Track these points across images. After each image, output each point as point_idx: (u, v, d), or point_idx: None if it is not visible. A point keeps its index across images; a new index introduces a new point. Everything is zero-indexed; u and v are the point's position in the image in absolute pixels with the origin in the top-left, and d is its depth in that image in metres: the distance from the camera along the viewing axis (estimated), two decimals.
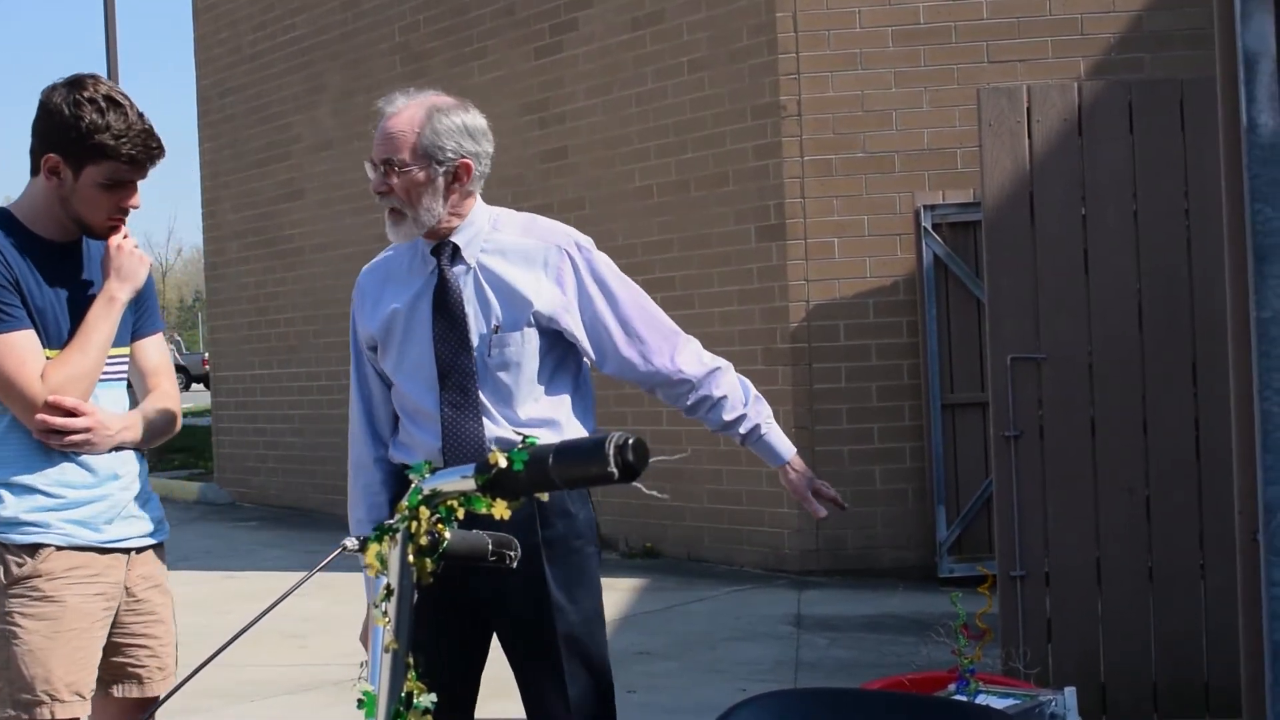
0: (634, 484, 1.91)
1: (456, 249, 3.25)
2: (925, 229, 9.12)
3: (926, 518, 9.20)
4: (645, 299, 3.32)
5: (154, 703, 3.42)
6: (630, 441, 1.84)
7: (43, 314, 3.27)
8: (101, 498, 3.32)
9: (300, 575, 1.88)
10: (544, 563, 3.19)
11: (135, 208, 3.33)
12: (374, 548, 1.85)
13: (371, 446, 3.35)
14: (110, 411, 3.35)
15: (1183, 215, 5.62)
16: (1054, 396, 5.63)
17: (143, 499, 3.46)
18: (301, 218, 13.97)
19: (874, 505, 9.28)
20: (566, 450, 1.87)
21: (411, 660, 1.89)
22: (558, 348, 3.27)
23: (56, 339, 3.28)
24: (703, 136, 9.93)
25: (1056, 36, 9.22)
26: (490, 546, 1.98)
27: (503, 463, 1.86)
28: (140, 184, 3.33)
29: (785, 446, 3.41)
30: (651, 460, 1.90)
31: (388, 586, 1.87)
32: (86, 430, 3.24)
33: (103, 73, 19.47)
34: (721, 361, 3.34)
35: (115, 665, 3.40)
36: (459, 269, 3.24)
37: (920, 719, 2.24)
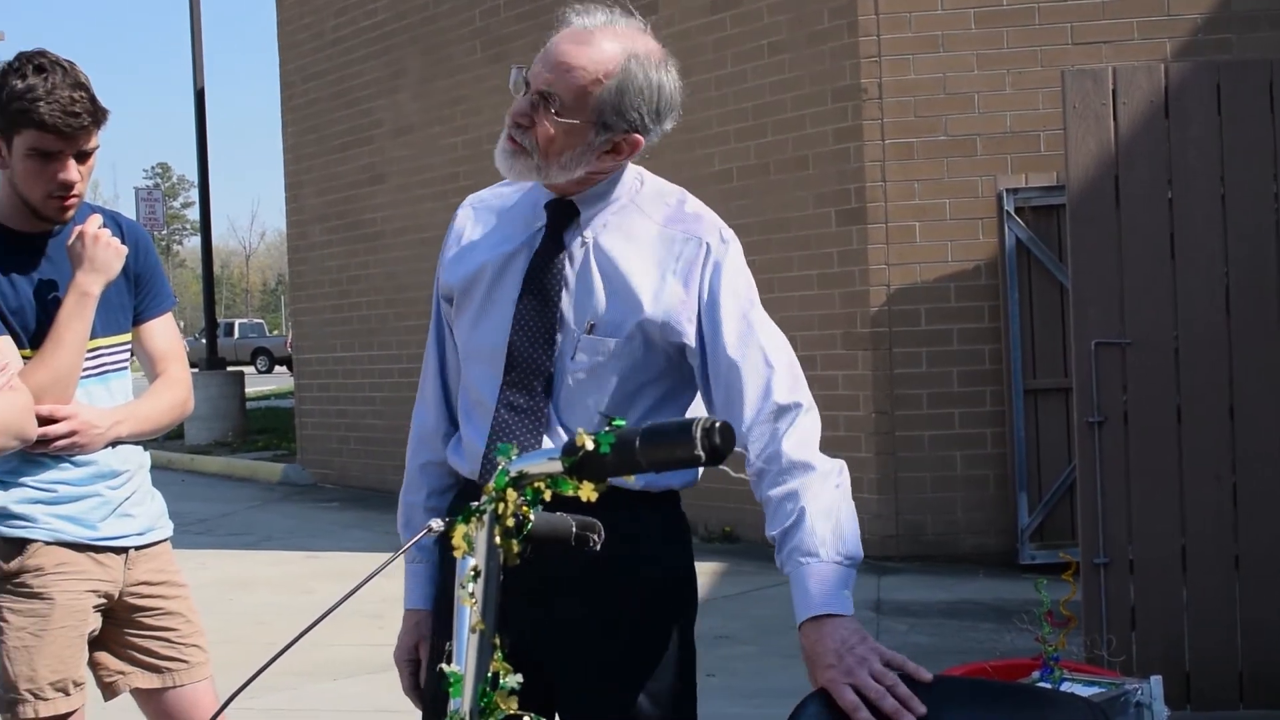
0: (720, 467, 1.91)
1: (575, 214, 2.55)
2: (1008, 212, 9.04)
3: (1008, 504, 9.14)
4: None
5: (200, 691, 3.41)
6: (717, 425, 1.84)
7: (19, 314, 3.16)
8: (94, 495, 3.24)
9: (382, 555, 1.90)
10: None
11: (69, 182, 3.11)
12: (461, 529, 1.86)
13: (443, 420, 2.72)
14: (99, 408, 3.20)
15: (1271, 199, 5.54)
16: (1139, 382, 5.56)
17: (145, 495, 3.38)
18: (382, 202, 14.07)
19: (954, 491, 9.23)
20: (653, 433, 1.87)
21: (498, 641, 1.90)
22: (670, 375, 2.55)
23: (37, 339, 3.15)
24: (783, 120, 9.89)
25: (1142, 17, 9.10)
26: (574, 529, 1.99)
27: (589, 445, 1.86)
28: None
29: (819, 600, 2.32)
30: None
31: (475, 568, 1.88)
32: (70, 434, 3.10)
33: (188, 58, 19.71)
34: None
35: (132, 658, 3.37)
36: (572, 240, 2.54)
37: (1005, 706, 2.22)
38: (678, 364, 2.54)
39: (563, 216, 2.55)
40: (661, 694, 2.51)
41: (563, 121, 2.42)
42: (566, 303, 2.51)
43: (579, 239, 2.53)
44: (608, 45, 2.45)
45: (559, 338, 2.50)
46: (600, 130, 2.44)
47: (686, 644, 2.58)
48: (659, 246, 2.52)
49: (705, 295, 2.49)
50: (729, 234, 2.56)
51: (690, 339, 2.49)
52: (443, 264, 2.68)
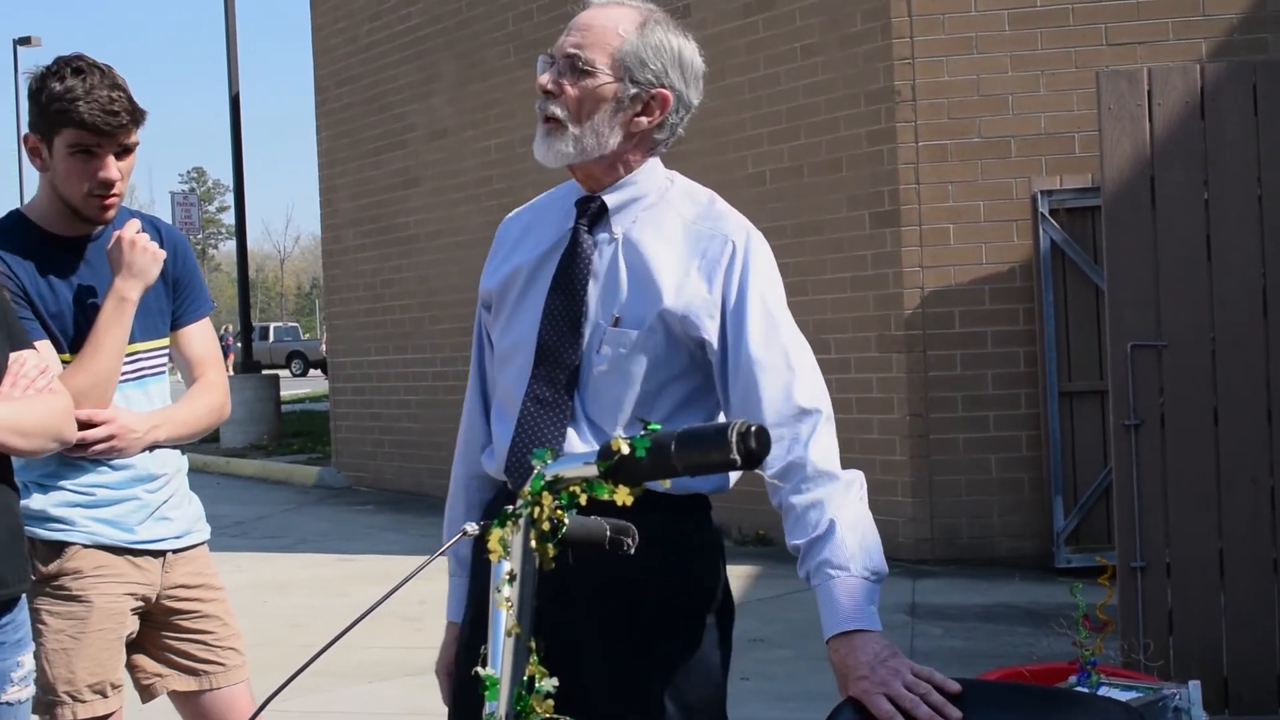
0: (756, 471, 1.91)
1: (604, 209, 2.58)
2: (1042, 214, 9.00)
3: (1043, 507, 9.10)
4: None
5: (225, 692, 3.43)
6: (753, 429, 1.84)
7: (58, 319, 3.18)
8: (132, 498, 3.27)
9: (417, 559, 1.90)
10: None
11: (109, 180, 3.14)
12: (497, 532, 1.87)
13: (482, 433, 2.74)
14: (136, 412, 3.23)
15: None
16: (1175, 385, 5.53)
17: (182, 499, 3.40)
18: (416, 206, 14.11)
19: (990, 494, 9.20)
20: (689, 437, 1.87)
21: (533, 644, 1.91)
22: (695, 374, 2.55)
23: (76, 344, 3.18)
24: (816, 122, 9.88)
25: (1177, 18, 9.05)
26: (609, 532, 1.99)
27: (625, 449, 1.86)
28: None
29: (850, 615, 2.32)
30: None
31: (510, 571, 1.89)
32: (108, 438, 3.13)
33: (223, 63, 19.82)
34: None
35: (170, 661, 3.40)
36: (601, 236, 2.56)
37: (1042, 710, 2.22)
38: (701, 362, 2.53)
39: (593, 212, 2.58)
40: (690, 700, 2.50)
41: (590, 77, 2.48)
42: (594, 296, 2.53)
43: (608, 234, 2.56)
44: (625, 9, 2.54)
45: (586, 331, 2.52)
46: (627, 84, 2.49)
47: (718, 650, 2.57)
48: (686, 242, 2.53)
49: (732, 295, 2.50)
50: (757, 235, 2.58)
51: (710, 335, 2.49)
52: (484, 275, 2.72)
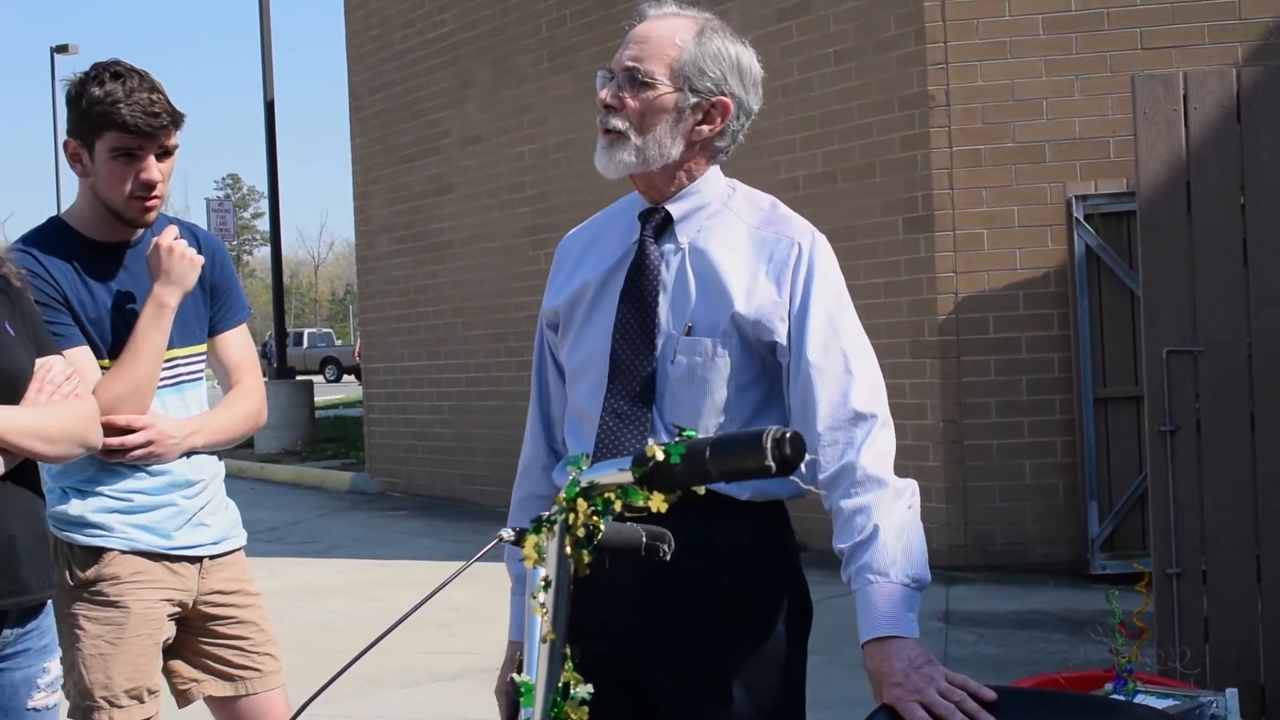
0: (791, 478, 1.91)
1: (669, 220, 2.58)
2: (1077, 219, 8.97)
3: (1078, 513, 9.05)
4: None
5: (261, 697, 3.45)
6: (787, 435, 1.83)
7: (97, 324, 3.21)
8: (169, 504, 3.28)
9: (452, 565, 1.91)
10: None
11: (151, 182, 3.17)
12: (532, 539, 1.87)
13: (542, 452, 2.76)
14: (174, 418, 3.26)
15: None
16: (1211, 390, 5.49)
17: (219, 504, 3.42)
18: (450, 212, 14.14)
19: (1024, 500, 9.16)
20: (723, 443, 1.87)
21: (568, 651, 1.91)
22: (770, 376, 2.55)
23: (115, 349, 3.21)
24: (849, 128, 9.86)
25: (1213, 21, 9.00)
26: (644, 539, 1.99)
27: (659, 455, 1.87)
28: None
29: (886, 621, 2.33)
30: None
31: (545, 578, 1.89)
32: (147, 444, 3.16)
33: (258, 72, 19.90)
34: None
35: (206, 666, 3.41)
36: (667, 247, 2.57)
37: (1078, 718, 2.20)
38: (771, 367, 2.54)
39: (657, 223, 2.59)
40: (758, 699, 2.52)
41: (649, 89, 2.50)
42: (664, 306, 2.53)
43: (674, 244, 2.57)
44: (682, 20, 2.57)
45: (659, 341, 2.52)
46: (687, 93, 2.51)
47: (785, 650, 2.59)
48: (752, 247, 2.54)
49: (798, 297, 2.51)
50: (821, 237, 2.60)
51: (781, 338, 2.50)
52: (548, 292, 2.72)
